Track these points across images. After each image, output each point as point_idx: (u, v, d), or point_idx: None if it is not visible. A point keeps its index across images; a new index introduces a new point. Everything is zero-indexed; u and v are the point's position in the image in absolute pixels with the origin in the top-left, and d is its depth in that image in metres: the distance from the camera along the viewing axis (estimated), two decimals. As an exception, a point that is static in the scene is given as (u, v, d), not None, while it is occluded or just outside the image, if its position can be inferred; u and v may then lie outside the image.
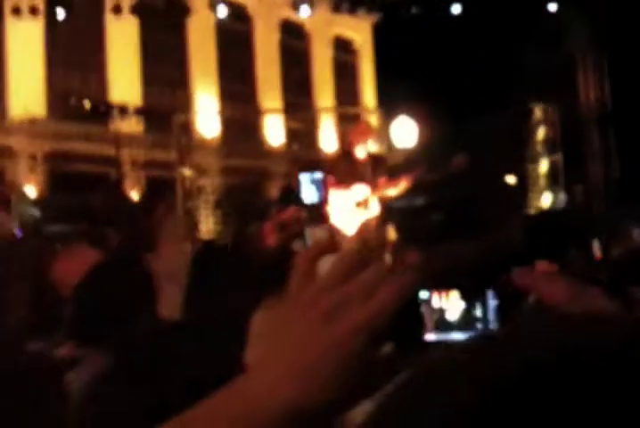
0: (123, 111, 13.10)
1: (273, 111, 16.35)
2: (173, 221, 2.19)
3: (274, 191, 12.51)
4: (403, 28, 15.49)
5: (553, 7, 12.68)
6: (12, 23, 13.16)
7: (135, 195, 10.82)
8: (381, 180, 6.78)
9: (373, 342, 0.55)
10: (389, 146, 9.42)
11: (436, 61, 14.24)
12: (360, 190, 6.78)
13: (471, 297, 0.59)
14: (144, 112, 13.36)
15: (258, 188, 14.20)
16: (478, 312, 0.59)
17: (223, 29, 16.53)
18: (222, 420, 0.56)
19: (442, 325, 0.60)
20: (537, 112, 10.27)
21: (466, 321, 0.59)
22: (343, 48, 19.48)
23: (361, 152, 7.13)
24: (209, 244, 7.80)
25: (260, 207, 9.22)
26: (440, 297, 0.60)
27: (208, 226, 10.22)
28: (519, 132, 10.42)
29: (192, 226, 9.80)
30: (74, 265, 3.35)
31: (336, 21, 18.69)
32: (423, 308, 0.59)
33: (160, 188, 11.18)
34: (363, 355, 0.55)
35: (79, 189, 10.85)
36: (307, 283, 0.59)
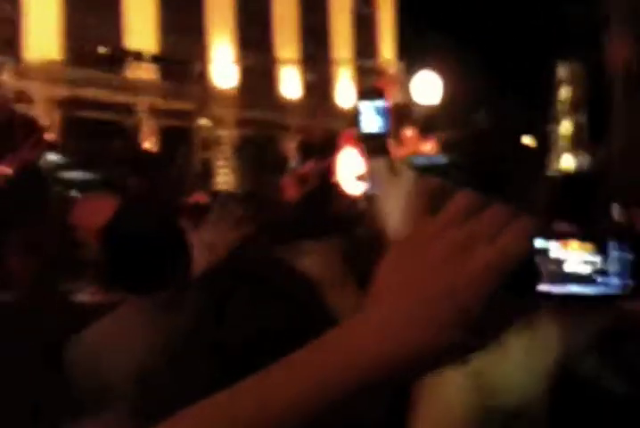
0: (138, 58, 12.95)
1: (290, 61, 16.13)
2: (224, 204, 2.17)
3: (289, 143, 12.43)
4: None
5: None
6: (28, -35, 12.92)
7: (150, 144, 10.76)
8: (406, 133, 6.69)
9: (500, 285, 0.49)
10: (409, 101, 9.28)
11: (458, 15, 13.96)
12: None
13: (598, 248, 0.53)
14: (160, 60, 13.20)
15: (274, 140, 14.10)
16: (599, 265, 0.54)
17: (241, -23, 16.22)
18: (331, 365, 0.51)
19: (559, 276, 0.54)
20: (562, 70, 10.06)
21: (586, 273, 0.53)
22: None
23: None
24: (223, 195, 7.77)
25: (278, 159, 9.17)
26: (560, 247, 0.54)
27: (224, 177, 10.17)
28: (542, 90, 10.24)
29: (208, 176, 9.76)
30: (94, 212, 3.33)
31: (357, -29, 18.30)
32: (538, 258, 0.53)
33: (177, 138, 11.11)
34: (491, 297, 0.49)
35: (94, 136, 10.79)
36: (425, 220, 0.54)
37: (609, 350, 0.90)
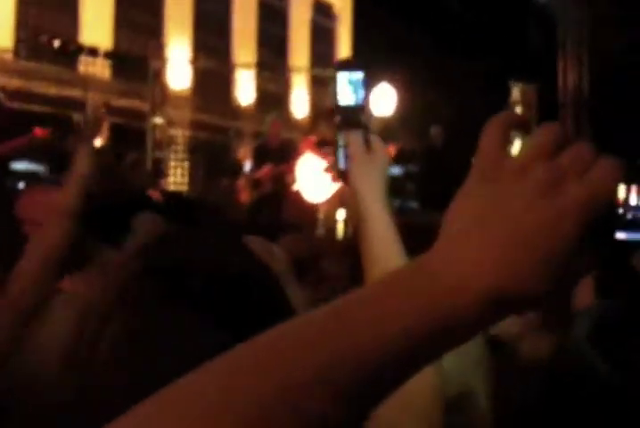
0: (93, 53, 12.73)
1: (246, 65, 16.09)
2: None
3: (243, 148, 12.36)
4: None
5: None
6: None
7: (99, 141, 10.55)
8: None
9: (590, 227, 0.48)
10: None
11: (416, 31, 14.15)
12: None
13: None
14: (115, 57, 13.00)
15: (227, 144, 14.02)
16: None
17: (202, -20, 16.13)
18: (404, 305, 0.47)
19: (637, 224, 0.53)
20: (515, 92, 10.28)
21: None
22: (323, 12, 19.21)
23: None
24: (175, 196, 7.70)
25: (231, 163, 9.11)
26: (636, 194, 0.53)
27: (175, 178, 10.05)
28: (495, 110, 10.45)
29: (160, 176, 9.63)
30: (39, 204, 3.25)
31: (318, -17, 18.41)
32: (617, 205, 0.52)
33: (129, 135, 10.95)
34: (580, 239, 0.47)
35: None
36: (503, 156, 0.52)
37: (606, 341, 0.90)
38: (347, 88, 1.37)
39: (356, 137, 1.30)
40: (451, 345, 0.49)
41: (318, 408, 0.46)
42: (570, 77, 10.58)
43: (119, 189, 2.16)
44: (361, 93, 1.38)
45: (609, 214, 0.49)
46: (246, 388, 0.45)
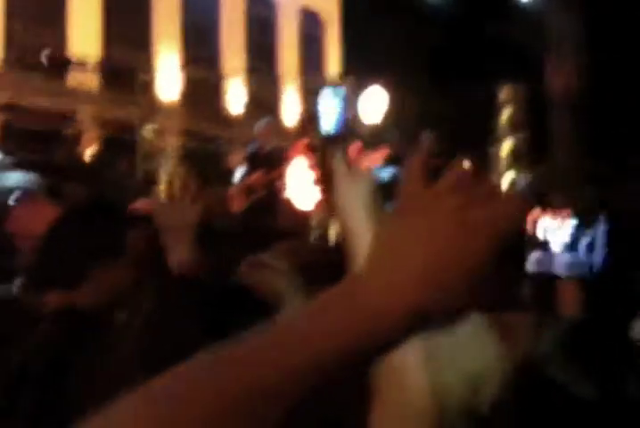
0: (82, 65, 12.76)
1: (235, 74, 16.12)
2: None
3: (234, 156, 12.39)
4: (371, 1, 15.41)
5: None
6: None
7: (90, 152, 10.56)
8: (352, 149, 6.75)
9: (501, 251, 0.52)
10: (355, 118, 9.37)
11: (404, 35, 14.22)
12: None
13: (582, 220, 0.56)
14: (103, 68, 13.03)
15: (218, 152, 14.04)
16: (587, 236, 0.56)
17: (189, -9, 16.19)
18: (330, 327, 0.52)
19: (547, 245, 0.57)
20: (505, 92, 10.31)
21: (572, 244, 0.56)
22: (310, 19, 19.28)
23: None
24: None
25: (223, 171, 9.12)
26: (549, 217, 0.57)
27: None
28: (485, 111, 10.47)
29: (151, 186, 9.64)
30: (31, 218, 3.24)
31: (304, -9, 18.50)
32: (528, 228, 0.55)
33: (120, 146, 10.96)
34: (493, 262, 0.52)
35: (33, 143, 10.56)
36: (420, 191, 0.57)
37: (577, 354, 0.91)
38: (329, 112, 1.36)
39: (338, 157, 1.33)
40: (377, 356, 0.53)
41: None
42: (558, 75, 10.62)
43: (109, 207, 2.15)
44: (341, 118, 1.38)
45: (517, 241, 0.53)
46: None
